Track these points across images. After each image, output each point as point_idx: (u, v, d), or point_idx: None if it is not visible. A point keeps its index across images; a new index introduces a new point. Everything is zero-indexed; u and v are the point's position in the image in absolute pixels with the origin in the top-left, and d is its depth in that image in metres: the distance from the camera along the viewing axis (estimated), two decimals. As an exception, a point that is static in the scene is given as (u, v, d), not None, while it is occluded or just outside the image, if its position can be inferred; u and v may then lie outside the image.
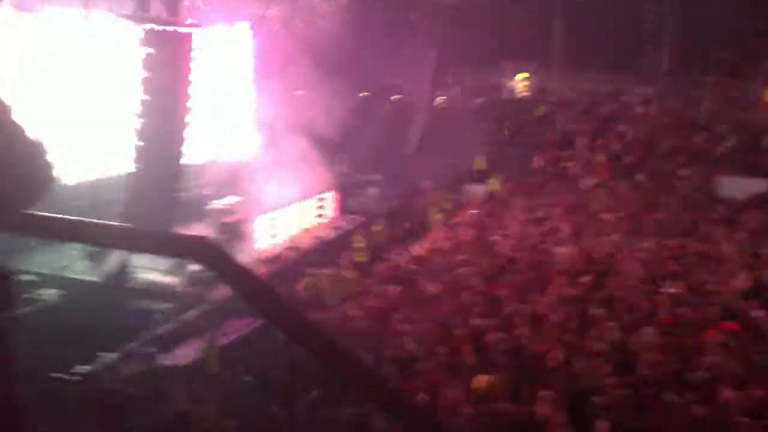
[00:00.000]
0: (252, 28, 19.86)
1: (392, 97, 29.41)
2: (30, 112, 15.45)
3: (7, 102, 2.21)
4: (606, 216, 16.92)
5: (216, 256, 2.48)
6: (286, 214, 19.50)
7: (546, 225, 16.75)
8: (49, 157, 2.28)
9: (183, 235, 2.79)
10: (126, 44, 16.55)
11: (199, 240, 2.52)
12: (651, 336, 9.65)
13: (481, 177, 22.54)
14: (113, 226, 2.38)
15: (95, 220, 2.44)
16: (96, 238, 2.67)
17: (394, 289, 13.44)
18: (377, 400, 3.74)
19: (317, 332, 2.97)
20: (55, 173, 2.27)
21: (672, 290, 11.45)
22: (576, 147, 22.01)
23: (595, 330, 10.11)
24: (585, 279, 12.32)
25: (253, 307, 2.44)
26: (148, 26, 15.16)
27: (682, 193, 18.42)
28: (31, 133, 2.29)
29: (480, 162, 23.07)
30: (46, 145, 2.33)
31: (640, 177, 19.53)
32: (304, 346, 2.98)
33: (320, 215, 21.34)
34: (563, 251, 14.21)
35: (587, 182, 20.01)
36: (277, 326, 2.87)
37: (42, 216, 2.31)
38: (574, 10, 25.99)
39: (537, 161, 22.16)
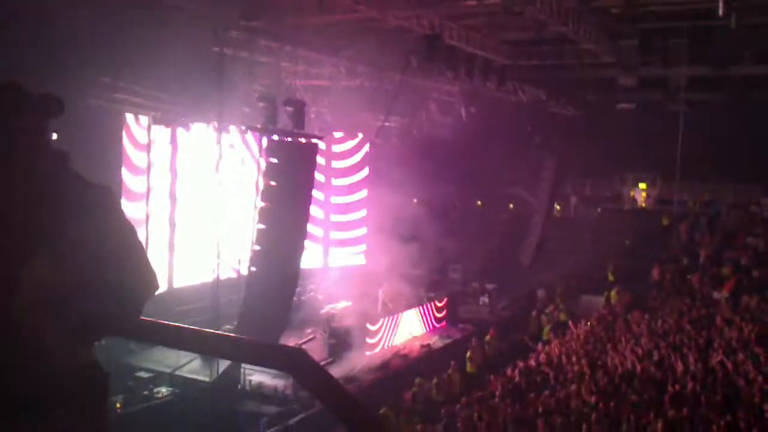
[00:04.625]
0: (371, 139, 20.64)
1: (510, 206, 29.45)
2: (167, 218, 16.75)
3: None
4: (731, 333, 15.80)
5: (310, 371, 2.48)
6: (396, 320, 19.52)
7: (666, 340, 15.83)
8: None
9: (279, 345, 2.84)
10: (254, 155, 17.73)
11: (293, 351, 2.55)
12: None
13: (599, 288, 21.80)
14: (209, 333, 2.45)
15: (193, 327, 2.46)
16: (190, 346, 2.77)
17: (504, 404, 12.95)
18: None
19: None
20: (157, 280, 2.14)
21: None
22: (700, 259, 21.01)
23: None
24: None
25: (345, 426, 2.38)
26: (274, 137, 15.94)
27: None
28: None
29: (607, 272, 22.43)
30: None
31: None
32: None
33: (431, 323, 21.20)
34: (682, 368, 13.34)
35: (712, 296, 18.89)
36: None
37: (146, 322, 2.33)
38: (696, 120, 25.38)
39: (657, 273, 21.26)
